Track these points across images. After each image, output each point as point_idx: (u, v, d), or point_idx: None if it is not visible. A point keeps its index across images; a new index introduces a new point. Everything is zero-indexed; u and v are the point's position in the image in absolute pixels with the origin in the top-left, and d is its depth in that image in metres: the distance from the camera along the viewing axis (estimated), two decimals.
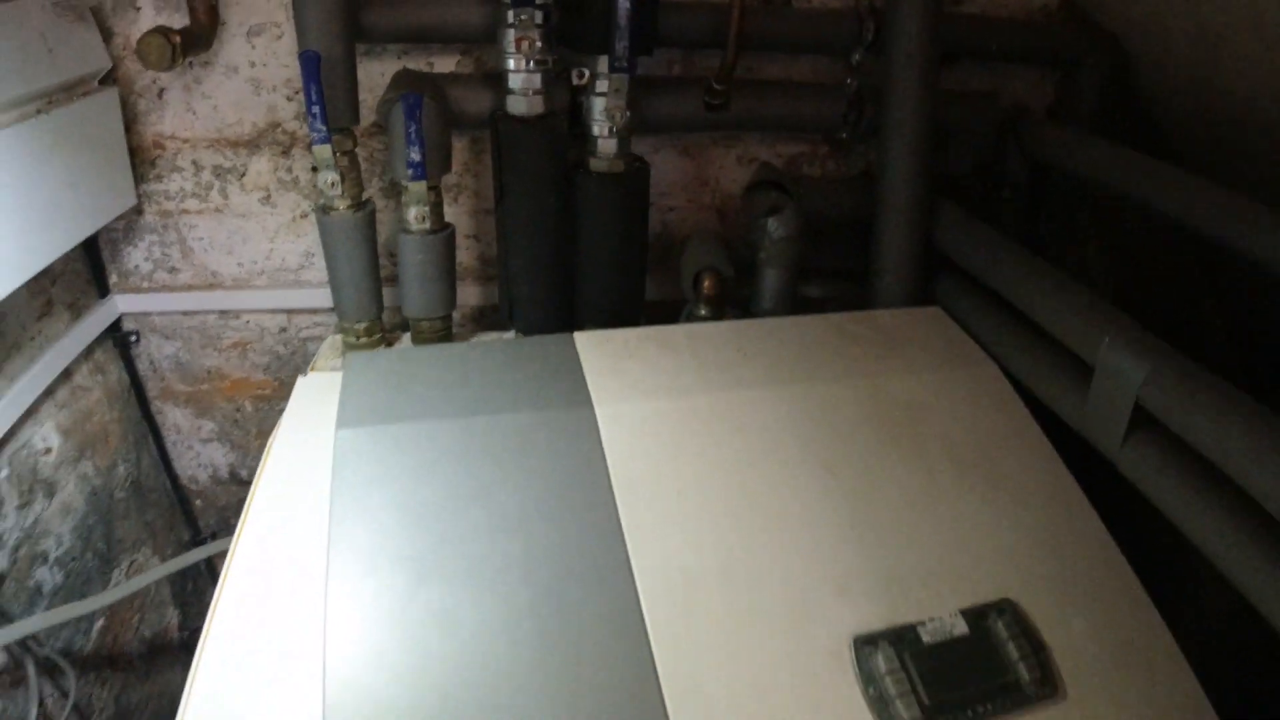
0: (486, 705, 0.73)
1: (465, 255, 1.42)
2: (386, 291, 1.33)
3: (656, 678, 0.77)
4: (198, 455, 1.63)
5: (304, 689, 0.74)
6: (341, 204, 1.19)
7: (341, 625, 0.78)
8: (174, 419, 1.58)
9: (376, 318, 1.27)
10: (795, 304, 1.30)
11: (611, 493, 0.90)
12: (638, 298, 1.26)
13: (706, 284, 1.23)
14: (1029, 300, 1.08)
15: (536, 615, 0.80)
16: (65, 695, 1.28)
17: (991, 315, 1.18)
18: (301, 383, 1.09)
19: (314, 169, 1.25)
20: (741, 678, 0.78)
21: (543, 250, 1.19)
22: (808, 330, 1.13)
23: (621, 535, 0.86)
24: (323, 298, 1.40)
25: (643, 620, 0.80)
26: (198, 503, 1.69)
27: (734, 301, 1.30)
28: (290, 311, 1.46)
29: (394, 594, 0.80)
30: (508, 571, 0.83)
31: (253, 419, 1.58)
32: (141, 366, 1.52)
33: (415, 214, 1.17)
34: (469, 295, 1.44)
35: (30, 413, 1.25)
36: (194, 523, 1.70)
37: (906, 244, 1.22)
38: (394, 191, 1.36)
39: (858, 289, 1.33)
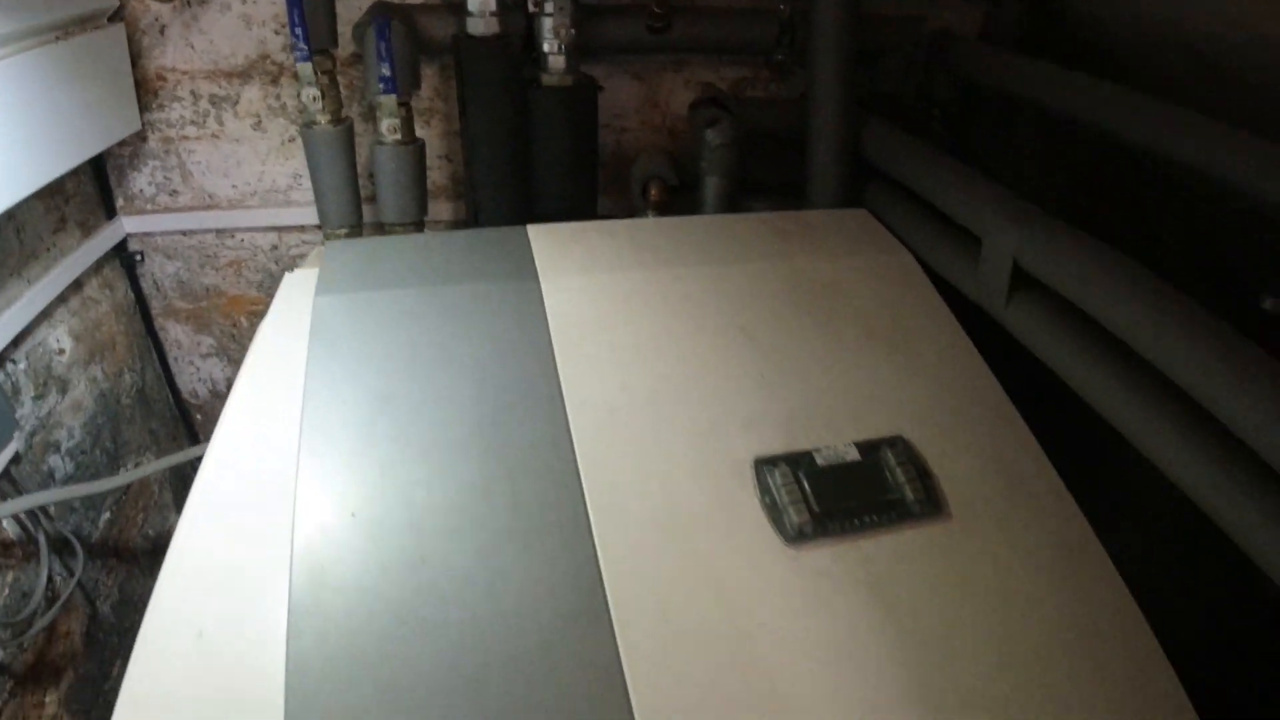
0: (423, 493, 0.86)
1: (437, 175, 1.55)
2: (366, 208, 1.46)
3: (582, 490, 0.89)
4: (198, 370, 1.76)
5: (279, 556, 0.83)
6: (323, 118, 1.32)
7: (313, 480, 0.88)
8: (175, 335, 1.71)
9: (357, 224, 1.40)
10: (736, 211, 1.42)
11: (550, 346, 1.02)
12: (590, 203, 1.39)
13: (653, 192, 1.35)
14: (937, 192, 1.19)
15: (481, 440, 0.92)
16: (72, 574, 1.41)
17: (912, 214, 1.29)
18: (288, 278, 1.21)
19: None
20: (656, 491, 0.90)
21: (501, 158, 1.32)
22: (739, 225, 1.25)
23: (557, 377, 0.98)
24: (309, 215, 1.53)
25: (572, 444, 0.93)
26: (198, 417, 1.83)
27: (680, 211, 1.42)
28: (280, 229, 1.59)
29: (360, 425, 0.93)
30: (460, 404, 0.95)
31: (248, 334, 1.72)
32: (146, 285, 1.65)
33: (388, 126, 1.30)
34: (441, 210, 1.57)
35: (45, 315, 1.39)
36: (195, 435, 1.84)
37: (834, 154, 1.34)
38: (372, 115, 1.48)
39: (798, 204, 1.44)
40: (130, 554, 1.63)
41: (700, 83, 1.51)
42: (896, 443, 0.98)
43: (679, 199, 1.42)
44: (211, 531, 0.87)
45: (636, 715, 0.75)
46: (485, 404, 0.95)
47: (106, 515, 1.54)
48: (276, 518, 0.86)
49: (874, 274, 1.20)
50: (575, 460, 0.91)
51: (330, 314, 1.05)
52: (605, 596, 0.81)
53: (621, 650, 0.78)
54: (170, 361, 1.74)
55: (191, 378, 1.77)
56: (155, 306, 1.68)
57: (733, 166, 1.34)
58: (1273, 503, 0.77)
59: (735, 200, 1.39)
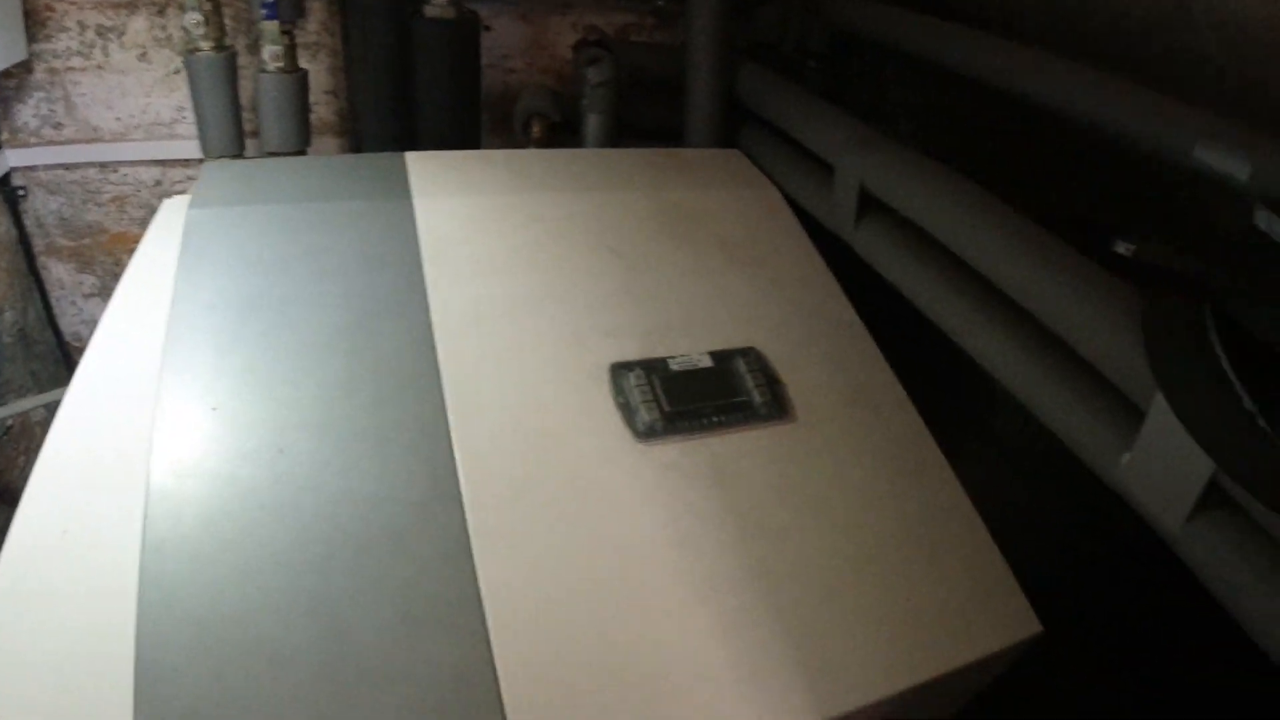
0: (286, 389, 0.89)
1: (324, 110, 1.56)
2: (252, 144, 1.46)
3: (441, 390, 0.92)
4: (80, 311, 1.74)
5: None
6: (206, 45, 1.32)
7: (176, 376, 0.90)
8: (58, 274, 1.69)
9: (239, 154, 1.41)
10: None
11: (419, 259, 1.05)
12: (473, 139, 1.42)
13: (536, 129, 1.39)
14: (798, 126, 1.26)
15: (346, 342, 0.95)
16: None
17: (780, 152, 1.36)
18: (166, 204, 1.21)
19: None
20: (514, 392, 0.94)
21: (384, 90, 1.34)
22: (615, 159, 1.30)
23: (424, 288, 1.02)
24: (194, 149, 1.53)
25: (434, 348, 0.96)
26: (79, 359, 1.80)
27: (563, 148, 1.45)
28: (164, 163, 1.58)
29: (227, 327, 0.95)
30: (327, 310, 0.98)
31: None
32: (29, 222, 1.62)
33: (270, 53, 1.31)
34: (328, 147, 1.57)
35: None
36: None
37: (709, 97, 1.39)
38: (257, 48, 1.49)
39: (677, 146, 1.49)
40: (12, 495, 1.61)
41: (586, 25, 1.55)
42: (749, 353, 1.04)
43: (562, 137, 1.46)
44: (80, 436, 0.87)
45: (483, 591, 0.79)
46: (352, 310, 0.98)
47: None
48: (144, 421, 0.87)
49: (740, 205, 1.25)
50: (436, 362, 0.94)
51: (202, 226, 1.06)
52: (458, 484, 0.85)
53: (471, 532, 0.82)
54: (53, 301, 1.71)
55: (74, 319, 1.75)
56: (38, 244, 1.65)
57: (613, 105, 1.39)
58: (1104, 406, 0.84)
59: (616, 141, 1.43)
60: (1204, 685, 1.21)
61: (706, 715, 0.77)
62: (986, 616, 0.92)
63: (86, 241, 1.66)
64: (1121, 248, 1.34)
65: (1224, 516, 0.71)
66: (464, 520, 0.83)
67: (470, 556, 0.81)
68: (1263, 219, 0.61)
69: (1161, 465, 0.74)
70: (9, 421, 1.55)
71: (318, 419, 0.88)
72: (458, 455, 0.87)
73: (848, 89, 1.60)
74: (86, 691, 0.69)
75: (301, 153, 1.40)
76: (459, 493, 0.85)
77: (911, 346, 1.22)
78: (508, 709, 0.72)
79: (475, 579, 0.79)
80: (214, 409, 0.87)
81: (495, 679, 0.74)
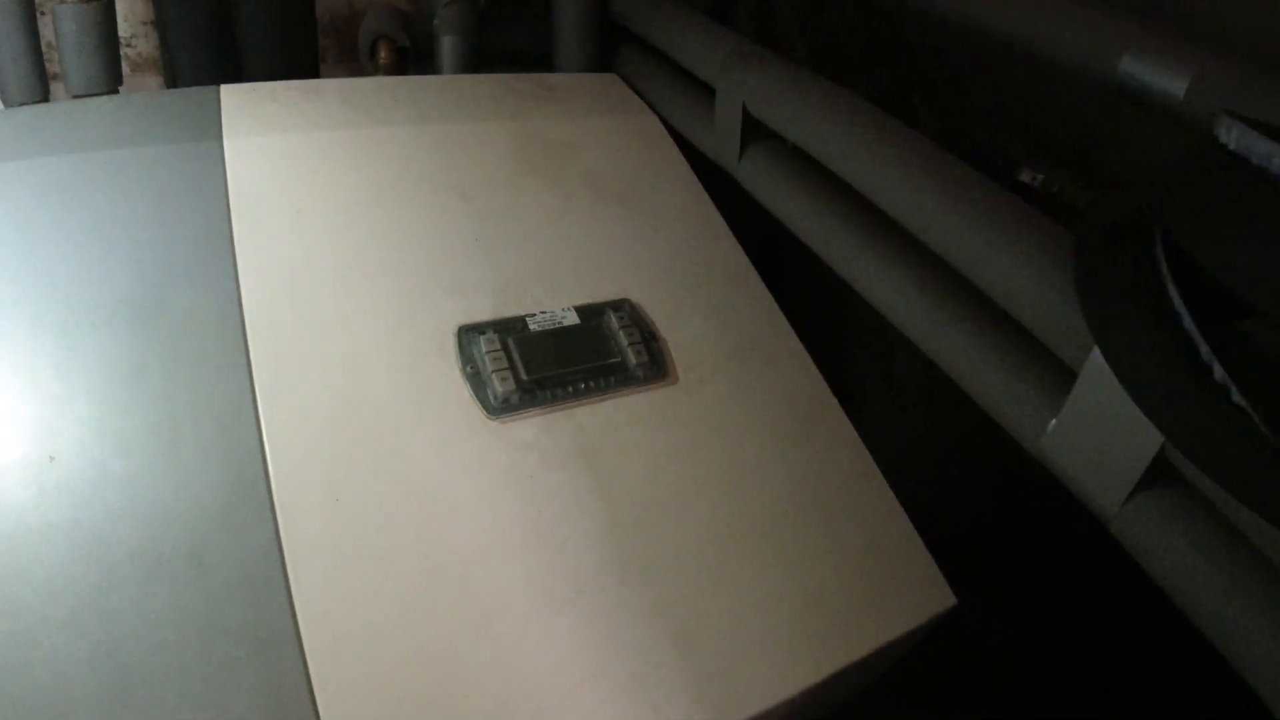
0: (54, 380, 0.73)
1: (144, 44, 1.35)
2: (57, 87, 1.26)
3: (249, 369, 0.77)
4: None
5: None
6: None
7: None
8: None
9: (44, 100, 1.20)
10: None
11: (228, 211, 0.88)
12: (309, 70, 1.23)
13: (382, 54, 1.21)
14: (677, 45, 1.11)
15: (130, 316, 0.78)
16: None
17: (661, 77, 1.21)
18: None
19: None
20: (338, 366, 0.79)
21: (200, 13, 1.15)
22: (470, 85, 1.13)
23: (232, 246, 0.85)
24: None
25: (241, 318, 0.80)
26: None
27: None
28: None
29: None
30: (107, 279, 0.81)
31: None
32: None
33: None
34: (149, 87, 1.37)
35: None
36: None
37: (580, 14, 1.23)
38: None
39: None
40: None
41: None
42: (622, 306, 0.91)
43: (415, 65, 1.28)
44: None
45: (300, 616, 0.66)
46: (139, 279, 0.81)
47: None
48: None
49: (614, 135, 1.11)
50: (244, 335, 0.79)
51: None
52: (269, 487, 0.71)
53: (285, 546, 0.68)
54: None
55: None
56: None
57: (470, 25, 1.21)
58: (1026, 363, 0.73)
59: (475, 68, 1.26)
60: (1114, 632, 1.16)
61: None
62: (897, 592, 0.83)
63: None
64: (1026, 176, 1.24)
65: (1171, 495, 0.61)
66: (276, 531, 0.69)
67: (284, 575, 0.67)
68: (1226, 130, 0.49)
69: (1095, 435, 0.63)
70: None
71: (95, 416, 0.72)
72: (268, 452, 0.72)
73: (733, 12, 1.45)
74: None
75: (114, 94, 1.20)
76: (269, 498, 0.70)
77: (804, 289, 1.11)
78: None
79: (290, 602, 0.66)
80: None
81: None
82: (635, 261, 0.97)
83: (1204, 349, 0.47)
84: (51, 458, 0.70)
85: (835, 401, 0.94)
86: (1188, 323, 0.48)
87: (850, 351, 0.95)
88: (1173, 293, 0.49)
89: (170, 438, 0.72)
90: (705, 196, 1.06)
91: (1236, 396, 0.44)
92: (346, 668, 0.64)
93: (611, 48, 1.30)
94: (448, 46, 1.22)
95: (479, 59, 1.26)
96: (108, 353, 0.76)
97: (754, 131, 0.98)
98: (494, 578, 0.71)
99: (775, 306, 0.99)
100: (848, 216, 0.92)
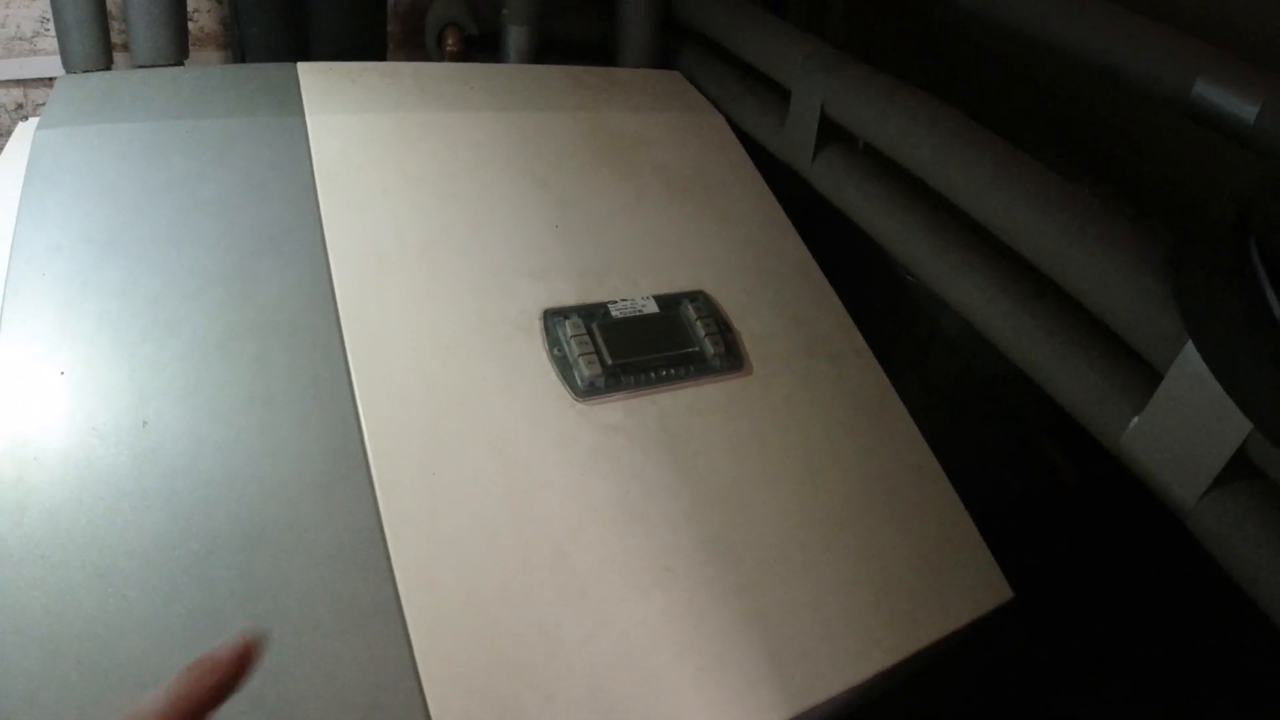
0: (149, 348, 0.74)
1: (206, 19, 1.36)
2: (121, 57, 1.26)
3: (343, 345, 0.78)
4: None
5: None
6: None
7: (16, 334, 0.73)
8: None
9: (106, 69, 1.21)
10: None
11: (314, 188, 0.89)
12: (377, 52, 1.24)
13: (449, 41, 1.22)
14: (748, 46, 1.12)
15: (224, 289, 0.79)
16: None
17: (725, 76, 1.22)
18: (21, 128, 1.02)
19: None
20: (429, 346, 0.80)
21: None
22: (541, 75, 1.15)
23: (320, 222, 0.86)
24: (57, 66, 1.32)
25: (333, 296, 0.81)
26: None
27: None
28: (25, 83, 1.36)
29: (78, 272, 0.78)
30: (201, 249, 0.82)
31: None
32: None
33: None
34: (209, 61, 1.37)
35: None
36: None
37: (644, 11, 1.25)
38: None
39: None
40: None
41: None
42: (697, 297, 0.93)
43: (479, 53, 1.29)
44: None
45: (400, 586, 0.66)
46: (232, 251, 0.82)
47: None
48: None
49: (681, 132, 1.12)
50: (336, 313, 0.80)
51: (51, 149, 0.87)
52: (366, 461, 0.72)
53: (384, 518, 0.69)
54: None
55: None
56: None
57: (536, 16, 1.22)
58: (1111, 362, 0.75)
59: (540, 57, 1.27)
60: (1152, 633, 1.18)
61: (662, 717, 0.67)
62: (960, 583, 0.84)
63: None
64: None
65: (1250, 489, 0.63)
66: (375, 504, 0.70)
67: (384, 547, 0.68)
68: None
69: (1178, 432, 0.65)
70: None
71: (190, 384, 0.73)
72: (364, 424, 0.73)
73: (788, 11, 1.46)
74: None
75: (178, 65, 1.21)
76: (368, 470, 0.71)
77: (845, 286, 1.13)
78: None
79: (390, 573, 0.67)
80: (61, 373, 0.71)
81: (419, 689, 0.62)
82: (707, 254, 0.98)
83: None
84: (145, 422, 0.70)
85: (898, 398, 0.96)
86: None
87: (883, 353, 0.96)
88: (1266, 285, 0.51)
89: (264, 409, 0.73)
90: (770, 194, 1.08)
91: None
92: (447, 639, 0.65)
93: (674, 44, 1.31)
94: (514, 35, 1.23)
95: (541, 48, 1.28)
96: (201, 323, 0.76)
97: (829, 133, 1.00)
98: (587, 554, 0.72)
99: (840, 304, 1.01)
100: (926, 217, 0.94)
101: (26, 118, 1.42)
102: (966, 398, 1.33)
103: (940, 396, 1.40)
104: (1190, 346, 0.62)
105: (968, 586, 0.85)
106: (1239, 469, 0.63)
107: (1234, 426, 0.61)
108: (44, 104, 1.41)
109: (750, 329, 0.93)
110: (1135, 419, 0.69)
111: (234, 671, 0.34)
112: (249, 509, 0.68)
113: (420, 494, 0.71)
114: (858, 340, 0.99)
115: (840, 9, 1.50)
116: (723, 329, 0.91)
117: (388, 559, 0.67)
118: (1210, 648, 1.05)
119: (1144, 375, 0.70)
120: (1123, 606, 1.19)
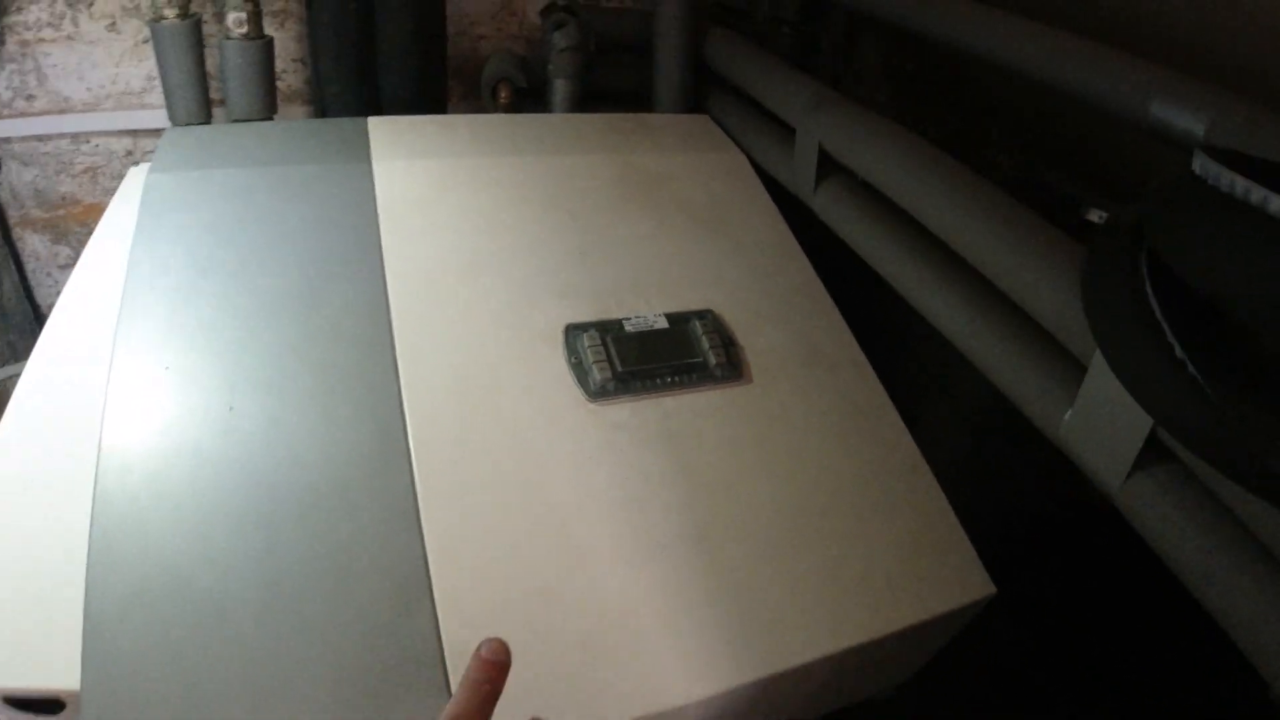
0: (238, 350, 0.90)
1: (292, 79, 1.56)
2: (219, 112, 1.46)
3: (393, 350, 0.93)
4: (55, 283, 1.74)
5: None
6: (171, 12, 1.32)
7: (130, 337, 0.90)
8: (33, 246, 1.69)
9: (206, 122, 1.41)
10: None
11: (376, 222, 1.05)
12: (439, 106, 1.41)
13: (503, 94, 1.38)
14: (760, 88, 1.25)
15: (300, 305, 0.95)
16: None
17: (747, 117, 1.35)
18: (132, 172, 1.22)
19: None
20: (465, 352, 0.95)
21: (347, 54, 1.34)
22: (580, 123, 1.30)
23: (380, 251, 1.02)
24: (163, 118, 1.53)
25: (388, 310, 0.96)
26: None
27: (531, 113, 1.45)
28: (135, 133, 1.58)
29: (181, 290, 0.95)
30: (282, 273, 0.98)
31: None
32: (3, 194, 1.63)
33: (234, 20, 1.30)
34: (296, 115, 1.57)
35: None
36: None
37: (677, 61, 1.39)
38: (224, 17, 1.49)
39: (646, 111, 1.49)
40: None
41: None
42: (705, 315, 1.04)
43: (529, 104, 1.45)
44: (40, 398, 0.88)
45: (429, 548, 0.79)
46: (307, 273, 0.98)
47: None
48: (99, 382, 0.87)
49: (705, 169, 1.25)
50: (390, 324, 0.95)
51: (160, 190, 1.06)
52: (407, 444, 0.86)
53: (419, 490, 0.83)
54: (29, 274, 1.71)
55: (50, 290, 1.75)
56: (13, 216, 1.65)
57: (580, 70, 1.38)
58: (1050, 365, 0.84)
59: (584, 106, 1.42)
60: (1153, 648, 1.22)
61: (648, 670, 0.78)
62: (938, 577, 0.92)
63: (60, 213, 1.66)
64: (1094, 215, 1.34)
65: (1164, 471, 0.71)
66: (412, 479, 0.83)
67: (417, 514, 0.81)
68: (1199, 163, 0.61)
69: (1102, 421, 0.74)
70: None
71: (269, 378, 0.89)
72: (407, 414, 0.88)
73: (818, 55, 1.59)
74: (37, 641, 0.70)
75: (268, 120, 1.40)
76: (408, 451, 0.85)
77: (874, 309, 1.22)
78: (449, 660, 0.73)
79: (421, 537, 0.80)
80: (166, 368, 0.88)
81: (438, 633, 0.75)
82: (719, 277, 1.10)
83: (1178, 349, 0.58)
84: (231, 408, 0.86)
85: (890, 403, 1.05)
86: (1164, 323, 0.59)
87: (907, 370, 1.06)
88: (1151, 297, 0.61)
89: (328, 398, 0.88)
90: (783, 223, 1.20)
91: (1179, 353, 0.56)
92: (463, 589, 0.78)
93: (704, 91, 1.45)
94: (559, 88, 1.38)
95: (585, 97, 1.43)
96: (280, 331, 0.92)
97: (828, 167, 1.12)
98: (588, 530, 0.84)
99: (841, 320, 1.11)
100: (905, 240, 1.05)
101: (136, 163, 1.64)
102: (993, 420, 1.40)
103: (969, 418, 1.48)
104: None
105: (948, 579, 0.92)
106: (1154, 453, 0.72)
107: (1143, 416, 0.69)
108: (151, 151, 1.63)
109: (754, 344, 1.05)
110: (1069, 412, 0.78)
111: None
112: (310, 477, 0.82)
113: (449, 472, 0.84)
114: (855, 353, 1.09)
115: (873, 52, 1.62)
116: (726, 343, 1.02)
117: (419, 523, 0.80)
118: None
119: (1077, 373, 0.79)
120: (1148, 629, 1.22)
